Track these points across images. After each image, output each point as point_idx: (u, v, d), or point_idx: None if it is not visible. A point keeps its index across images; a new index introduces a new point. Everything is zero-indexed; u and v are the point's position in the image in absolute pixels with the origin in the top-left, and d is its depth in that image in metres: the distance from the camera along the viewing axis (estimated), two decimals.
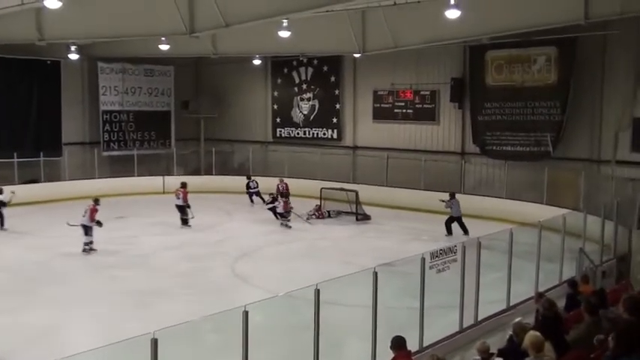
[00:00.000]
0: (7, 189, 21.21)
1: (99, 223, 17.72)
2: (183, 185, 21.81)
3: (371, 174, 26.03)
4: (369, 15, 22.04)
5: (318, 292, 7.67)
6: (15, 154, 25.70)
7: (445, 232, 19.87)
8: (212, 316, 7.29)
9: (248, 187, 26.24)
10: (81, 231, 17.51)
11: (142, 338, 6.33)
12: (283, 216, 21.58)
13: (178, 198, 21.41)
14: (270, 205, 22.54)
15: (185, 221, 21.21)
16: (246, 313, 6.79)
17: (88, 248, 17.55)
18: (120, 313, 12.26)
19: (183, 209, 21.29)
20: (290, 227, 21.26)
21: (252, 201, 25.93)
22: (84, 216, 17.60)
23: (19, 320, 11.71)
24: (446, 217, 20.23)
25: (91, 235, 17.59)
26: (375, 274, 8.71)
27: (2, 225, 20.68)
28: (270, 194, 23.47)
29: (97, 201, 18.11)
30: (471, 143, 24.32)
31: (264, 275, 15.29)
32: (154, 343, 6.04)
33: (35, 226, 20.68)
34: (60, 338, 11.12)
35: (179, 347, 7.23)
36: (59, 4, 13.88)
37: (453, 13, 16.66)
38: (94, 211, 17.69)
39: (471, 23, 18.98)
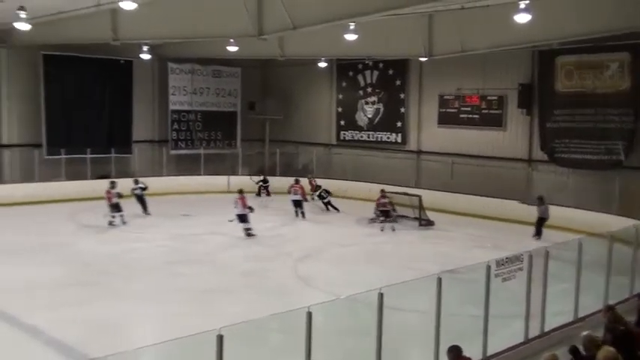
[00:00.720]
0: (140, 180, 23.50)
1: (251, 209, 19.59)
2: (298, 181, 23.47)
3: (435, 179, 25.79)
4: (436, 18, 21.83)
5: (381, 296, 7.65)
6: (88, 151, 26.66)
7: (534, 233, 19.72)
8: (276, 315, 7.37)
9: (265, 181, 27.76)
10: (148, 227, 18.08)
11: (207, 334, 6.44)
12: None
13: (296, 194, 22.86)
14: (328, 199, 24.04)
15: (303, 214, 22.60)
16: (309, 314, 6.84)
17: (247, 233, 19.33)
18: (183, 310, 12.47)
19: (301, 204, 22.73)
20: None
21: (260, 194, 27.33)
22: (236, 207, 19.44)
23: (88, 312, 12.09)
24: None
25: (248, 222, 19.41)
26: (439, 280, 8.64)
27: (146, 210, 22.62)
28: (323, 190, 24.76)
29: (241, 191, 20.16)
30: (539, 150, 23.80)
31: (326, 277, 15.32)
32: (220, 339, 6.13)
33: (106, 221, 21.29)
34: (126, 331, 11.45)
35: (242, 345, 7.33)
36: (134, 6, 14.27)
37: (522, 17, 16.31)
38: (243, 199, 19.55)
39: (540, 27, 18.56)
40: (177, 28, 19.90)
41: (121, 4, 14.28)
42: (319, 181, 26.05)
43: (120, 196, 21.26)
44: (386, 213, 21.45)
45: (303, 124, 32.03)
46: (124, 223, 20.85)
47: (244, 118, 32.15)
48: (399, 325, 10.58)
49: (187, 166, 29.73)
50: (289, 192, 23.45)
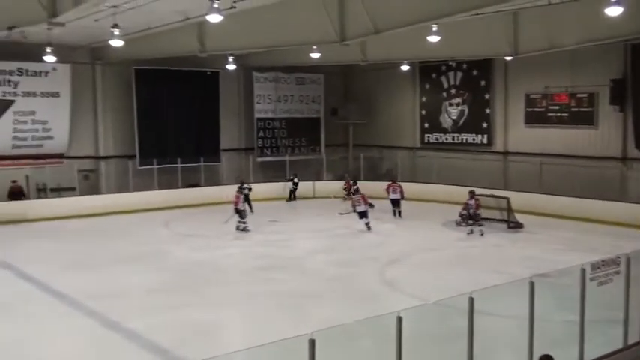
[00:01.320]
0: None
1: (371, 206, 21.83)
2: (394, 180, 24.67)
3: (523, 180, 25.18)
4: (521, 16, 21.34)
5: (471, 300, 7.54)
6: (179, 160, 27.56)
7: None
8: (366, 320, 7.41)
9: (295, 184, 28.47)
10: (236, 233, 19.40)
11: (299, 339, 6.54)
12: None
13: (395, 193, 23.91)
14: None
15: (400, 213, 23.88)
16: (399, 319, 6.83)
17: (367, 227, 20.96)
18: (274, 315, 12.69)
19: (399, 203, 23.99)
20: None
21: (290, 199, 28.48)
22: (359, 205, 21.12)
23: (183, 317, 12.47)
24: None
25: (367, 217, 21.07)
26: (532, 284, 8.44)
27: (251, 210, 23.76)
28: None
29: (358, 190, 22.22)
30: (633, 148, 22.85)
31: (413, 282, 15.22)
32: (311, 343, 6.21)
33: (197, 228, 22.00)
34: (219, 335, 11.74)
35: (333, 350, 7.38)
36: (220, 18, 14.65)
37: (614, 11, 15.71)
38: (364, 197, 21.34)
39: (634, 20, 17.85)
40: (261, 38, 20.33)
41: (208, 18, 14.68)
42: (403, 185, 25.97)
43: (246, 200, 22.31)
44: (474, 216, 21.04)
45: (387, 127, 31.96)
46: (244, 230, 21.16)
47: (328, 124, 32.46)
48: (490, 331, 10.40)
49: (273, 173, 30.26)
50: (388, 192, 24.20)
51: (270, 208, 25.66)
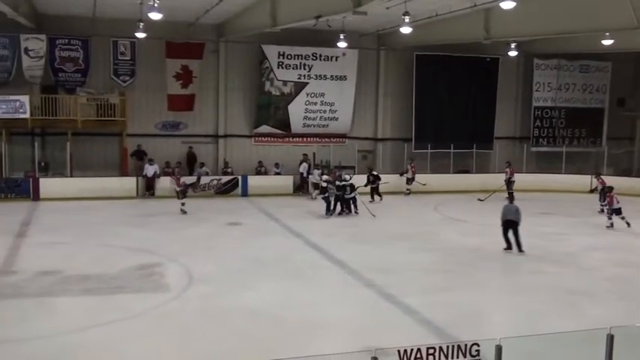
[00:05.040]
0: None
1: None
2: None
3: None
4: None
5: None
6: (452, 145, 27.92)
7: None
8: None
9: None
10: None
11: (589, 333, 6.42)
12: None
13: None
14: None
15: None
16: None
17: (627, 223, 20.07)
18: (543, 307, 12.39)
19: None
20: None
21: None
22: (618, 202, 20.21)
23: (454, 298, 12.77)
24: None
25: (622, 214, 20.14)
26: None
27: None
28: None
29: (611, 189, 20.69)
30: None
31: None
32: (610, 339, 6.11)
33: (466, 213, 22.22)
34: (488, 319, 11.85)
35: (622, 351, 7.09)
36: (513, 5, 14.52)
37: None
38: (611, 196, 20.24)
39: None
40: (549, 25, 19.71)
41: (502, 5, 14.65)
42: None
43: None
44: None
45: None
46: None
47: (612, 115, 30.47)
48: None
49: (547, 164, 29.27)
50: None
51: (541, 200, 24.87)
